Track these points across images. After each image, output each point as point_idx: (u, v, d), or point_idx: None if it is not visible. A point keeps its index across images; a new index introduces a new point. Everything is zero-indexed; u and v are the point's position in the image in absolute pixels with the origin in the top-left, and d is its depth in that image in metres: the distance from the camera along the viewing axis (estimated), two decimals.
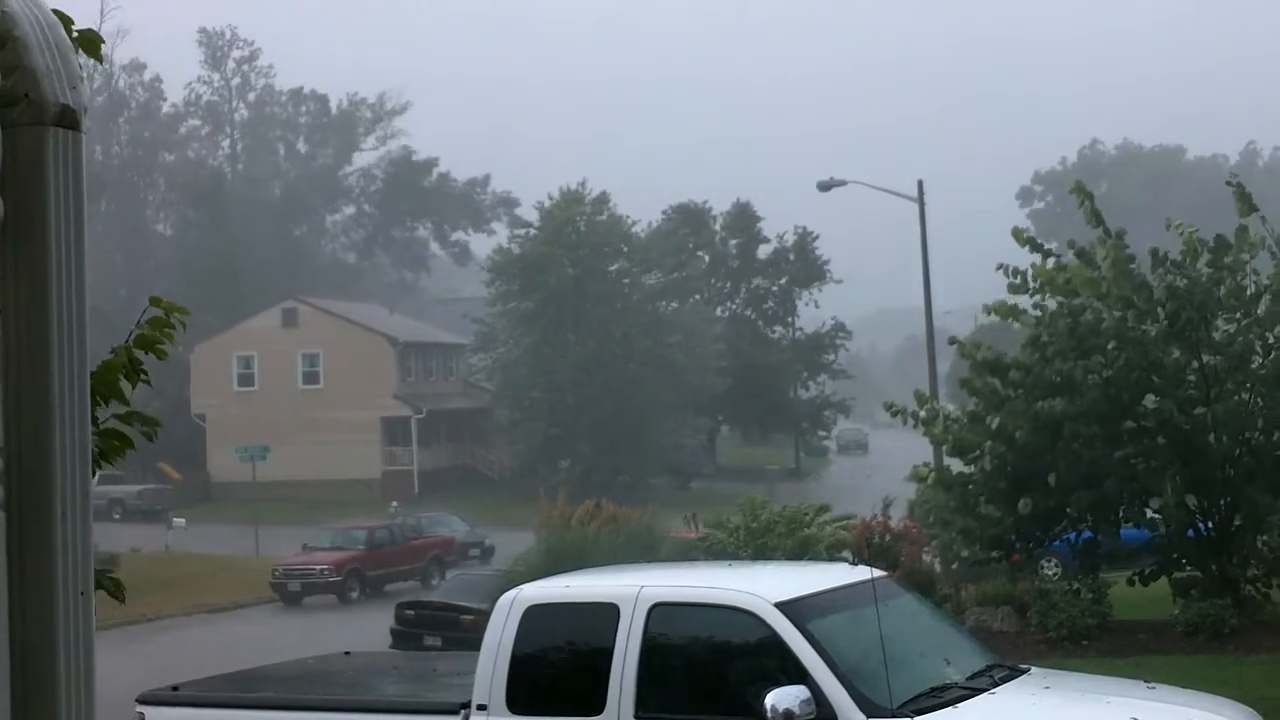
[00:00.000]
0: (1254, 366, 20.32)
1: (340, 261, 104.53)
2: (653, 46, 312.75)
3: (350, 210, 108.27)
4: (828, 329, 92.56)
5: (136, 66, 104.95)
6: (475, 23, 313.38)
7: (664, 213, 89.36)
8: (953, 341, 21.94)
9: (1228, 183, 20.77)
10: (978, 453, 20.63)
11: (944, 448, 22.00)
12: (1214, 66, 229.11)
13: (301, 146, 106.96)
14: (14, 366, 2.49)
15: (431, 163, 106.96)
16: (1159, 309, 19.75)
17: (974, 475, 21.10)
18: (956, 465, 22.34)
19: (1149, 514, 20.97)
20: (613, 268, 76.44)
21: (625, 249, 76.71)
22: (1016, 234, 22.44)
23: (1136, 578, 21.17)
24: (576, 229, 74.41)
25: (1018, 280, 21.14)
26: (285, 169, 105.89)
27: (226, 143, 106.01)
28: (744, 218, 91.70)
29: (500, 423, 77.36)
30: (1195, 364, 20.11)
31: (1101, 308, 20.25)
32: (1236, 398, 20.01)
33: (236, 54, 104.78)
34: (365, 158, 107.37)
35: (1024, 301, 21.42)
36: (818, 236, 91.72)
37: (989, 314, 21.87)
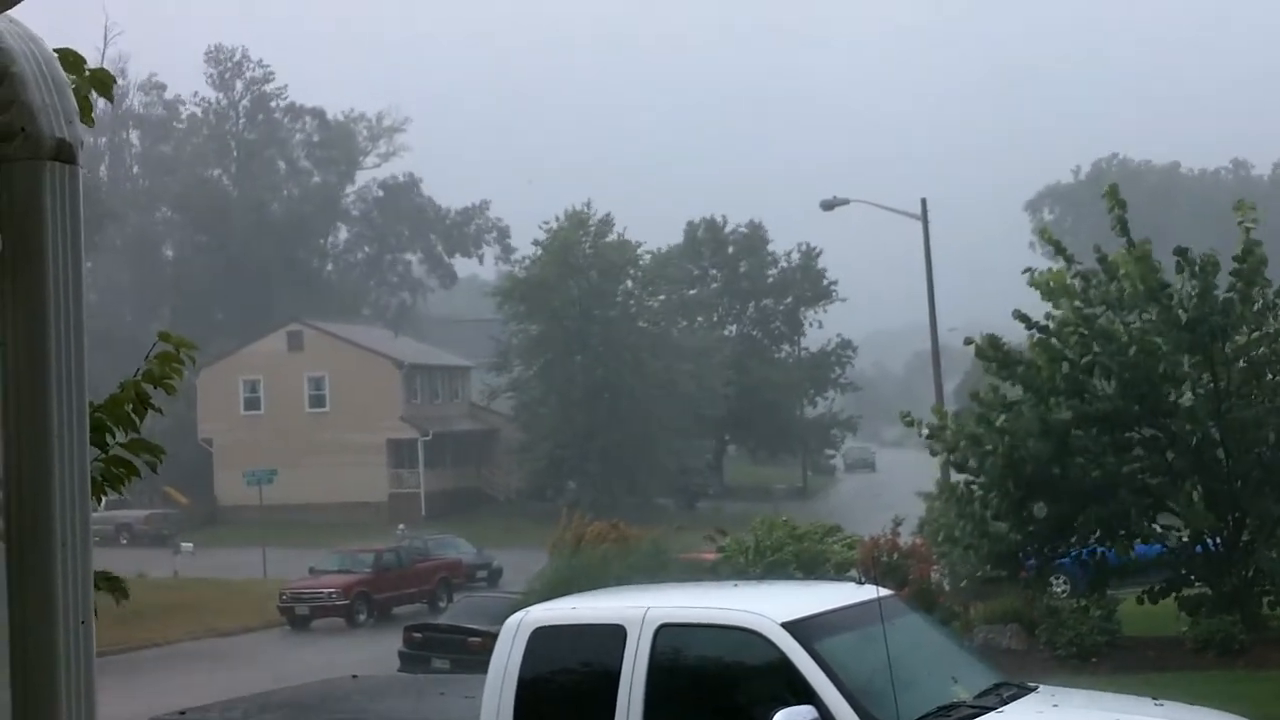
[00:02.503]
0: (1266, 379, 20.27)
1: (341, 283, 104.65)
2: (658, 67, 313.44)
3: (349, 232, 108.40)
4: (833, 346, 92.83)
5: (155, 85, 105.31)
6: (476, 46, 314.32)
7: (688, 225, 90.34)
8: (969, 341, 21.84)
9: None
10: (989, 448, 20.43)
11: (950, 456, 21.85)
12: (1201, 84, 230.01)
13: (303, 164, 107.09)
14: (13, 398, 2.51)
15: (427, 186, 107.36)
16: (1180, 313, 19.61)
17: (981, 480, 20.96)
18: (962, 480, 22.22)
19: (1158, 529, 20.93)
20: (621, 289, 76.51)
21: (632, 271, 76.83)
22: (1044, 232, 22.43)
23: (1146, 596, 21.09)
24: (582, 251, 74.55)
25: (1048, 285, 21.00)
26: (287, 189, 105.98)
27: (233, 166, 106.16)
28: (756, 238, 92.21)
29: (510, 444, 77.45)
30: (1205, 376, 20.05)
31: (1114, 318, 20.19)
32: (1248, 410, 19.95)
33: (248, 74, 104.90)
34: (365, 177, 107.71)
35: (1037, 310, 21.33)
36: (821, 252, 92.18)
37: (1036, 286, 21.21)
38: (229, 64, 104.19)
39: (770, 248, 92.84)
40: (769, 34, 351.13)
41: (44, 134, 2.56)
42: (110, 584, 4.92)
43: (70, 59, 3.23)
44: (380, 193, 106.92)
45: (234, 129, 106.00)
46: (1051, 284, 21.00)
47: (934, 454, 22.74)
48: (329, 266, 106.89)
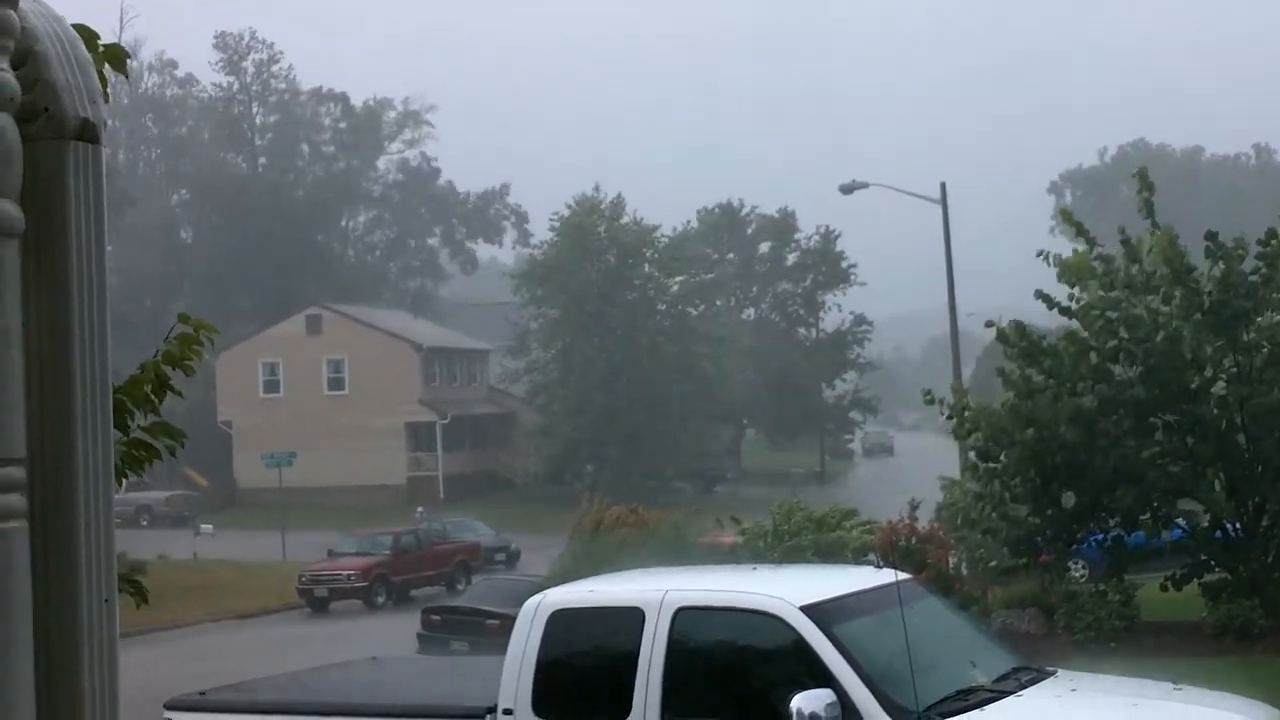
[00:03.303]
0: None
1: (361, 267, 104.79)
2: (679, 54, 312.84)
3: (369, 216, 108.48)
4: (849, 325, 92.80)
5: (167, 64, 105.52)
6: (493, 32, 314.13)
7: (701, 210, 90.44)
8: (990, 324, 21.72)
9: None
10: (1014, 439, 20.31)
11: (971, 440, 21.69)
12: (1223, 68, 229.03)
13: (327, 149, 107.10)
14: (36, 378, 2.51)
15: (448, 171, 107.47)
16: (1205, 297, 19.50)
17: (1004, 466, 20.82)
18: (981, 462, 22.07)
19: (1178, 515, 20.84)
20: (641, 272, 76.46)
21: (649, 254, 76.78)
22: (1065, 214, 22.13)
23: (1169, 582, 21.02)
24: (598, 235, 74.50)
25: (1058, 269, 20.90)
26: (310, 171, 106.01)
27: (248, 148, 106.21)
28: (784, 224, 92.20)
29: (529, 428, 77.56)
30: (1228, 361, 19.94)
31: (1136, 303, 20.08)
32: (1271, 395, 19.82)
33: (255, 57, 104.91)
34: (387, 162, 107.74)
35: (1061, 293, 21.19)
36: (840, 234, 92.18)
37: (1058, 270, 21.01)
38: (242, 48, 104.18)
39: (797, 234, 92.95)
40: (791, 21, 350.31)
41: (67, 114, 2.56)
42: (132, 586, 4.93)
43: (83, 34, 3.23)
44: (400, 176, 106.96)
45: (246, 113, 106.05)
46: (1074, 267, 20.85)
47: (957, 438, 22.63)
48: (349, 251, 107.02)
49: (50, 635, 2.50)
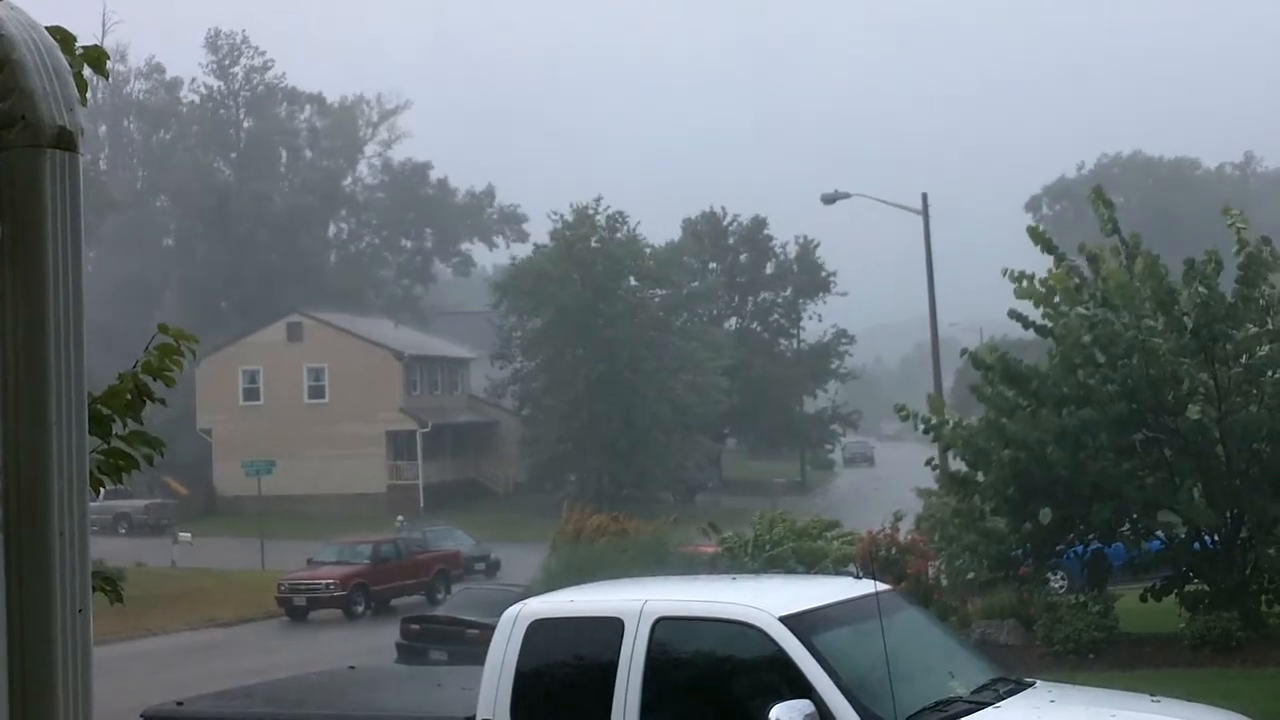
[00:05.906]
0: (1265, 378, 20.22)
1: (344, 273, 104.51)
2: (667, 65, 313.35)
3: (354, 221, 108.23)
4: (830, 337, 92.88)
5: (155, 69, 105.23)
6: (478, 39, 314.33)
7: (685, 220, 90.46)
8: (964, 353, 21.78)
9: None
10: (992, 458, 20.38)
11: (952, 450, 21.75)
12: (1209, 79, 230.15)
13: (306, 153, 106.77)
14: (12, 387, 2.50)
15: (433, 173, 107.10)
16: (1184, 319, 19.61)
17: (983, 482, 20.89)
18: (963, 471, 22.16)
19: (1156, 529, 20.90)
20: (626, 286, 76.19)
21: (634, 266, 76.54)
22: (1032, 232, 22.08)
23: (1149, 594, 21.07)
24: (588, 246, 74.21)
25: (1024, 285, 20.97)
26: (290, 176, 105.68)
27: (234, 153, 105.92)
28: (756, 232, 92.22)
29: (510, 437, 77.37)
30: (1205, 375, 20.01)
31: (1115, 319, 20.12)
32: (1247, 410, 19.91)
33: (246, 62, 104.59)
34: (367, 164, 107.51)
35: (1032, 309, 21.25)
36: (818, 244, 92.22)
37: (1017, 285, 21.04)
38: (228, 49, 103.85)
39: (771, 242, 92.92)
40: (780, 34, 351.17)
41: (44, 121, 2.54)
42: (107, 584, 4.91)
43: (60, 37, 3.21)
44: (384, 177, 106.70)
45: (233, 116, 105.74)
46: (1050, 284, 20.89)
47: (934, 467, 22.75)
48: (332, 256, 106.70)
49: (24, 644, 2.49)
